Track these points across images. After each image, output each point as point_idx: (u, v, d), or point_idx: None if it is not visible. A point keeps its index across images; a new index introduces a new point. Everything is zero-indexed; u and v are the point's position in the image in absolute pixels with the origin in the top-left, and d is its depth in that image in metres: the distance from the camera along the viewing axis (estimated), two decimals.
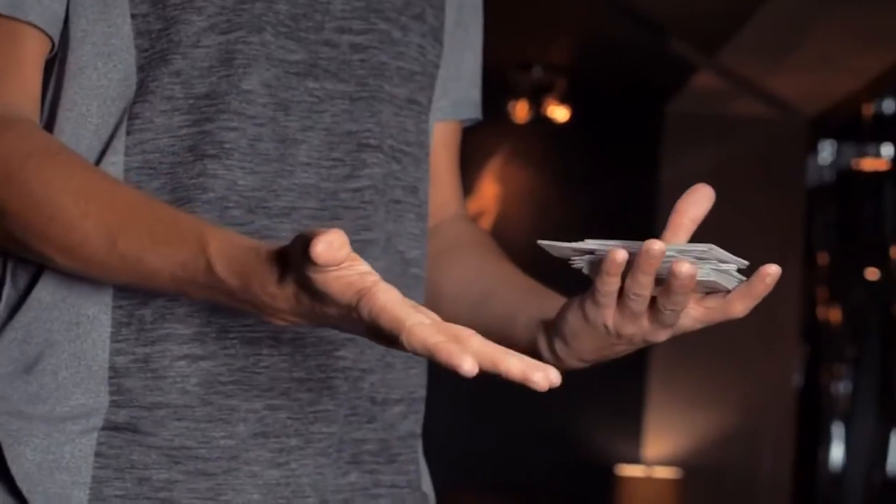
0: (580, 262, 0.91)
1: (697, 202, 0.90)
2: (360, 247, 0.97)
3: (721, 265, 0.86)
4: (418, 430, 1.05)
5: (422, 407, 1.06)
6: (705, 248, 0.85)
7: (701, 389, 4.86)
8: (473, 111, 1.19)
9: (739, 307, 0.89)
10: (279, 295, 0.80)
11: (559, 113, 4.84)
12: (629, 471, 4.73)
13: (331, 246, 0.73)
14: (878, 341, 4.63)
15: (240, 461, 0.94)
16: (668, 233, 0.91)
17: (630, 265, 0.87)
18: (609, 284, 0.88)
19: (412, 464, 1.04)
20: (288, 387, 0.95)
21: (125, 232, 0.88)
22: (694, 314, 0.91)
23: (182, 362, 0.94)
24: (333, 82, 0.99)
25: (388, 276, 0.99)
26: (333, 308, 0.76)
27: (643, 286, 0.87)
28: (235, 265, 0.82)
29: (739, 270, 0.87)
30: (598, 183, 4.97)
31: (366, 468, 1.00)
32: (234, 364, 0.95)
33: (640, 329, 0.90)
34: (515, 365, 0.73)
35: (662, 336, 0.91)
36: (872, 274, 4.70)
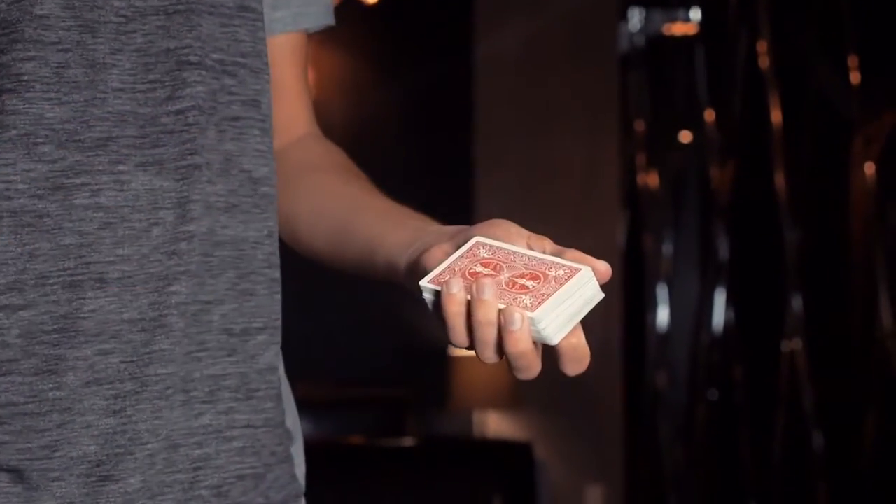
0: (428, 296, 0.82)
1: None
2: (188, 172, 0.90)
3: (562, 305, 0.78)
4: (278, 362, 0.99)
5: (279, 337, 0.99)
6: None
7: None
8: (322, 17, 1.10)
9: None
10: None
11: None
12: (463, 351, 4.75)
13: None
14: (697, 203, 4.71)
15: (73, 412, 0.87)
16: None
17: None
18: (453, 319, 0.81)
19: (270, 400, 0.97)
20: (119, 329, 0.88)
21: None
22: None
23: None
24: None
25: (234, 199, 0.93)
26: None
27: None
28: None
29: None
30: (412, 64, 4.91)
31: (222, 407, 0.93)
32: (56, 311, 0.87)
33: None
34: None
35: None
36: (686, 137, 4.77)
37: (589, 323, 0.79)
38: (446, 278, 0.80)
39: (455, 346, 0.81)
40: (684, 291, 4.73)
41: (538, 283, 0.78)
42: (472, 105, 4.93)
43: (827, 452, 3.84)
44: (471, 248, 0.83)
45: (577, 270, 0.78)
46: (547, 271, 0.79)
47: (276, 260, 0.98)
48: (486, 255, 0.81)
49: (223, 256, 0.93)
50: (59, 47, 0.87)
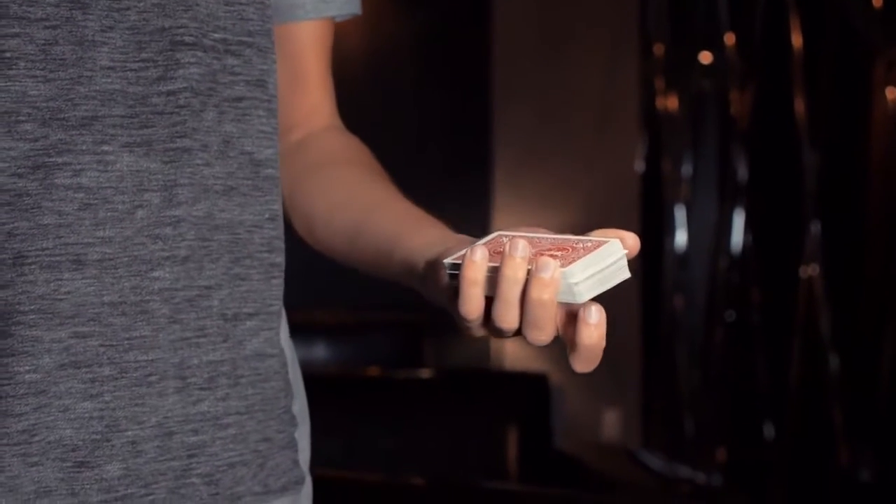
0: (450, 272, 0.80)
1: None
2: (177, 155, 0.88)
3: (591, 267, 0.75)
4: (270, 349, 0.96)
5: (277, 322, 0.96)
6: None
7: (547, 190, 4.89)
8: (347, 5, 1.06)
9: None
10: None
11: None
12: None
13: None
14: (716, 125, 4.69)
15: (49, 395, 0.86)
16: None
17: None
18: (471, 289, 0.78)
19: (252, 387, 0.94)
20: (98, 312, 0.87)
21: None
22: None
23: None
24: None
25: (232, 182, 0.92)
26: None
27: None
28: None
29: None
30: None
31: (220, 394, 0.92)
32: (33, 291, 0.85)
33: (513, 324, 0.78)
34: None
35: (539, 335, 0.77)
36: (707, 58, 4.73)
37: None
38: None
39: (464, 319, 0.78)
40: (702, 214, 4.73)
41: (566, 252, 0.76)
42: (490, 30, 4.89)
43: (843, 375, 3.86)
44: (493, 238, 0.81)
45: (606, 241, 0.76)
46: (574, 245, 0.76)
47: (279, 244, 0.96)
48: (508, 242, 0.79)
49: (221, 240, 0.92)
50: (47, 24, 0.85)
